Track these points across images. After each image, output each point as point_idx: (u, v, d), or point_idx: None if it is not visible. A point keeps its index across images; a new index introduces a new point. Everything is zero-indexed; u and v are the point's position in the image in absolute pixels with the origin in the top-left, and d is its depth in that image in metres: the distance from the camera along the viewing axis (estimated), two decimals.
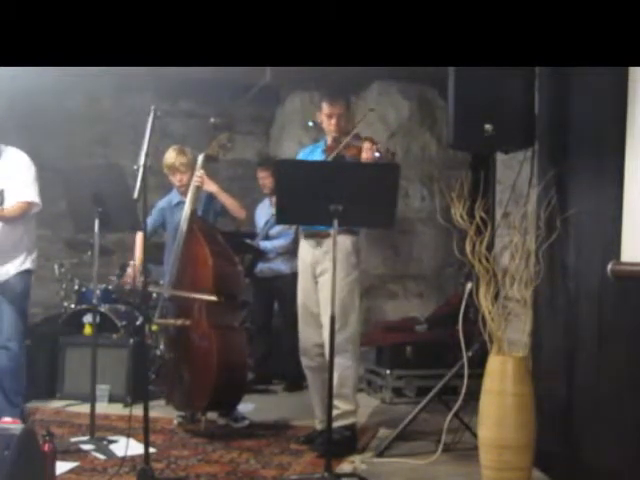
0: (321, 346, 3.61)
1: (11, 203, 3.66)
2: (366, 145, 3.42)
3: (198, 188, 4.05)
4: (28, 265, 3.89)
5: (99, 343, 3.94)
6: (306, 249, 3.72)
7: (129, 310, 5.16)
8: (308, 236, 3.69)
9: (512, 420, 2.89)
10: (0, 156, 3.84)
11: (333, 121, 3.63)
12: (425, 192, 5.89)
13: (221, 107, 6.41)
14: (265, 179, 5.41)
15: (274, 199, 3.39)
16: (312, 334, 3.67)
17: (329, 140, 3.68)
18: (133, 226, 3.90)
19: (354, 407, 3.62)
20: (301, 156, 3.89)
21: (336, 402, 3.42)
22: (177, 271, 4.01)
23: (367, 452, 3.57)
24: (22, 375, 3.88)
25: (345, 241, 3.56)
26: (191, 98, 6.72)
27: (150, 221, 4.28)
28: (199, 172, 4.05)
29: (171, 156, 4.21)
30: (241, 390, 4.03)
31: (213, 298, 3.77)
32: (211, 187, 4.11)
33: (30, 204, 3.80)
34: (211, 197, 4.19)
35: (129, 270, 4.52)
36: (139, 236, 4.37)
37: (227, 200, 4.16)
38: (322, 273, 3.61)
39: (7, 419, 3.62)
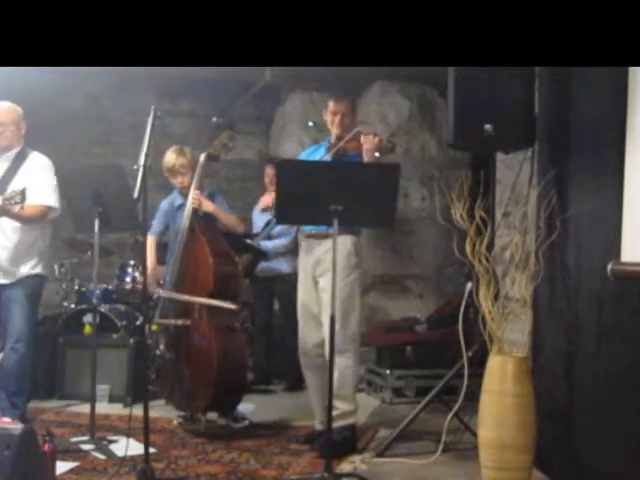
0: (321, 346, 3.61)
1: (31, 205, 3.68)
2: (367, 144, 3.42)
3: (195, 210, 4.02)
4: (39, 270, 3.90)
5: (99, 343, 3.94)
6: (306, 249, 3.72)
7: (129, 310, 5.16)
8: (309, 236, 3.70)
9: (512, 420, 2.89)
10: (25, 158, 3.87)
11: (337, 119, 3.66)
12: (425, 192, 5.89)
13: (221, 107, 6.41)
14: (274, 177, 5.37)
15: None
16: (312, 334, 3.67)
17: (333, 138, 3.71)
18: (133, 226, 3.90)
19: (354, 407, 3.62)
20: (304, 155, 3.90)
21: (335, 403, 3.41)
22: (178, 271, 4.01)
23: (367, 452, 3.57)
24: (26, 377, 3.88)
25: (346, 241, 3.56)
26: (191, 98, 6.73)
27: (155, 226, 4.29)
28: (195, 192, 4.02)
29: (170, 158, 4.19)
30: (241, 390, 4.03)
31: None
32: (209, 207, 4.08)
33: (50, 208, 3.82)
34: (211, 197, 4.19)
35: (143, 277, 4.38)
36: (150, 240, 4.23)
37: (224, 217, 4.15)
38: (322, 273, 3.60)
39: (6, 419, 3.63)
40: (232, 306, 3.81)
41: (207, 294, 3.82)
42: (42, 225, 3.88)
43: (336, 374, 3.28)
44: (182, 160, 4.18)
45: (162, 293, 4.13)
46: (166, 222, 4.34)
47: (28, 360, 3.86)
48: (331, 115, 3.69)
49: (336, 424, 3.43)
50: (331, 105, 3.69)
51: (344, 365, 3.50)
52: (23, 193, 3.41)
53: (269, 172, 5.46)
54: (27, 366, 3.86)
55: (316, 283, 3.66)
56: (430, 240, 5.81)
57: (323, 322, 3.56)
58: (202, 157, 4.09)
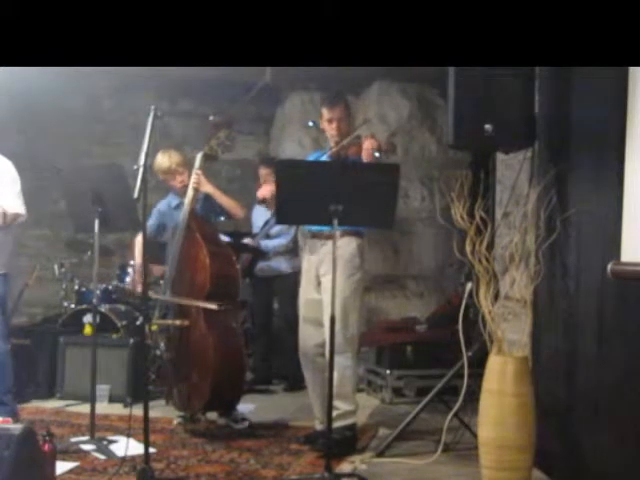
0: (321, 346, 3.61)
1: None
2: (365, 144, 3.43)
3: (196, 190, 4.03)
4: (5, 270, 3.93)
5: (99, 343, 3.94)
6: (310, 249, 3.74)
7: (129, 310, 5.16)
8: (313, 236, 3.71)
9: (512, 420, 2.89)
10: None
11: (334, 125, 3.68)
12: (425, 192, 5.89)
13: (221, 107, 6.41)
14: (267, 176, 5.38)
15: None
16: (312, 334, 3.68)
17: (332, 144, 3.72)
18: (133, 226, 3.90)
19: (354, 407, 3.63)
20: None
21: (336, 402, 3.42)
22: (176, 271, 4.01)
23: (367, 452, 3.57)
24: (9, 374, 3.90)
25: (350, 243, 3.60)
26: (191, 98, 6.73)
27: (150, 224, 4.28)
28: (196, 172, 4.03)
29: (164, 160, 4.18)
30: (239, 390, 4.03)
31: (212, 306, 3.76)
32: (207, 188, 4.07)
33: (18, 215, 3.84)
34: (210, 197, 4.18)
35: (134, 274, 4.50)
36: (138, 239, 4.35)
37: (224, 200, 4.14)
38: (325, 273, 3.61)
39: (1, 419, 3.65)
40: (213, 306, 3.77)
41: (205, 294, 3.81)
42: (8, 229, 3.89)
43: (336, 374, 3.28)
44: (177, 159, 4.17)
45: (154, 295, 4.13)
46: (161, 222, 4.34)
47: (7, 357, 3.89)
48: (327, 123, 3.71)
49: (336, 424, 3.43)
50: (326, 113, 3.70)
51: (344, 365, 3.51)
52: None
53: (263, 172, 5.46)
54: (7, 363, 3.88)
55: (319, 283, 3.67)
56: (430, 240, 5.81)
57: (324, 322, 3.57)
58: (199, 157, 4.07)
